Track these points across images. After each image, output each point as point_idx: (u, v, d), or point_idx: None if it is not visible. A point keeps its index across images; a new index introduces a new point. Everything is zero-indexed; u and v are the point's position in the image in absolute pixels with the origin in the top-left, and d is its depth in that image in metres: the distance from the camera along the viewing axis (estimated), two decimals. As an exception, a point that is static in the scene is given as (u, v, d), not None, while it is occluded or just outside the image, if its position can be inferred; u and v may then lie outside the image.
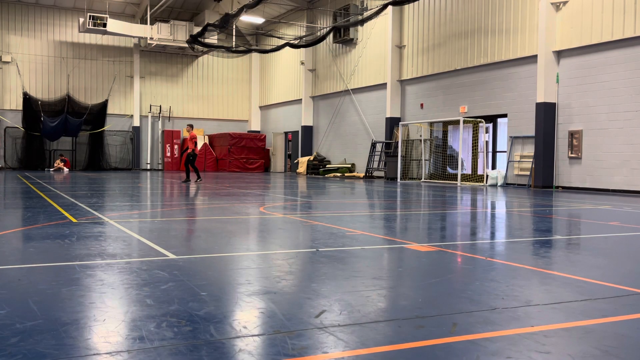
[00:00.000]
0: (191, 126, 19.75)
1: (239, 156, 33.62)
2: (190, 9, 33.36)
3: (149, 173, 28.74)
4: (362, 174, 26.20)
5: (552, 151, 17.99)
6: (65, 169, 29.88)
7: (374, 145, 25.57)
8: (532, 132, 18.54)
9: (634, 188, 15.89)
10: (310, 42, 26.42)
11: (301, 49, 28.87)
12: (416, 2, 22.02)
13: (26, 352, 2.37)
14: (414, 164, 24.05)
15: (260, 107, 37.22)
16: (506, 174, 19.63)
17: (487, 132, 20.85)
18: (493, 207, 11.05)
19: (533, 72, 18.41)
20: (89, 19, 29.11)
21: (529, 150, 18.86)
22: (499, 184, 19.49)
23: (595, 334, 2.76)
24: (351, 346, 2.52)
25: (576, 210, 10.23)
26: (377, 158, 25.59)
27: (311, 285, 3.74)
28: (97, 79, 33.54)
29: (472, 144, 21.61)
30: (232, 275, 4.13)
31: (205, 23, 26.29)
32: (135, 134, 34.29)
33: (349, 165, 27.79)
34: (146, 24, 31.50)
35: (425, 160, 23.24)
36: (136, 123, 34.29)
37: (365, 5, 25.51)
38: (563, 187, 17.85)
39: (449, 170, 22.50)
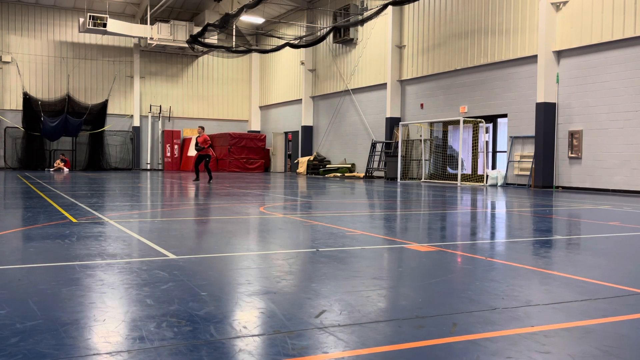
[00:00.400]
0: (202, 128, 19.64)
1: (239, 156, 33.60)
2: (190, 9, 33.36)
3: (149, 173, 28.73)
4: (362, 174, 26.19)
5: (552, 151, 17.99)
6: (66, 169, 29.87)
7: (374, 145, 25.57)
8: (532, 132, 18.54)
9: (634, 188, 15.88)
10: (310, 42, 26.41)
11: (301, 49, 28.86)
12: (416, 2, 22.02)
13: (26, 352, 2.37)
14: (414, 164, 24.05)
15: (260, 107, 37.21)
16: (506, 174, 19.63)
17: (487, 132, 20.84)
18: (493, 207, 11.05)
19: (533, 72, 18.41)
20: (89, 19, 29.10)
21: (529, 150, 18.86)
22: (499, 184, 19.49)
23: (595, 334, 2.75)
24: (351, 346, 2.52)
25: (576, 210, 10.23)
26: (377, 158, 25.58)
27: (311, 285, 3.74)
28: (97, 79, 33.53)
29: (472, 144, 21.60)
30: (232, 275, 4.13)
31: (205, 23, 26.28)
32: (135, 134, 34.29)
33: (349, 165, 27.78)
34: (146, 24, 31.50)
35: (425, 160, 23.23)
36: (136, 123, 34.28)
37: (365, 5, 25.51)
38: (563, 187, 17.85)
39: (449, 170, 22.49)
